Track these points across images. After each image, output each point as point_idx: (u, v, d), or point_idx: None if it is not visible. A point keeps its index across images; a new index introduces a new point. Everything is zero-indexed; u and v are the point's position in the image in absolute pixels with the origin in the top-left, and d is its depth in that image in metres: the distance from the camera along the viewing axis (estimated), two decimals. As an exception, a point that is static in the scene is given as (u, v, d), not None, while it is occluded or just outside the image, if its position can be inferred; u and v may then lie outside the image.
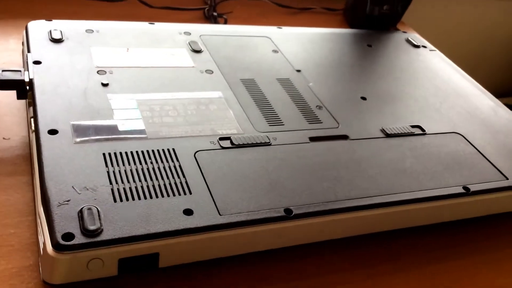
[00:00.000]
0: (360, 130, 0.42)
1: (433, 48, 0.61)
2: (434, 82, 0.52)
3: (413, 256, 0.37)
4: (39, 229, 0.30)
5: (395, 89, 0.49)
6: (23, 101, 0.43)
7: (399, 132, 0.43)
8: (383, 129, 0.43)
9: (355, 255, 0.36)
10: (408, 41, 0.60)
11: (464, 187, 0.38)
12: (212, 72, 0.46)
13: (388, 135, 0.42)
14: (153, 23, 0.51)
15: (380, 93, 0.48)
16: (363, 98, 0.47)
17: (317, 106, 0.44)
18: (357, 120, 0.43)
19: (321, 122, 0.42)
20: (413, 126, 0.44)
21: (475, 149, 0.43)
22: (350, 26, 0.70)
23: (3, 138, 0.40)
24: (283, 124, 0.41)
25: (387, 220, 0.36)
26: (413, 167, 0.39)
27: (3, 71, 0.40)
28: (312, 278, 0.34)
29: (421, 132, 0.44)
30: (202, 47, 0.49)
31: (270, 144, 0.38)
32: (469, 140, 0.44)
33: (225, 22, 0.63)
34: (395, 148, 0.41)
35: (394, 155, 0.40)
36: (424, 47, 0.60)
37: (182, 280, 0.32)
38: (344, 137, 0.41)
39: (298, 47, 0.53)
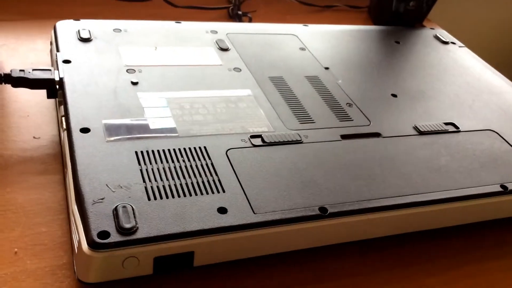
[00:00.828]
0: (392, 127, 0.41)
1: (462, 44, 0.59)
2: (465, 79, 0.51)
3: (449, 258, 0.36)
4: (73, 227, 0.30)
5: (425, 86, 0.48)
6: (52, 101, 0.43)
7: (432, 130, 0.42)
8: (416, 127, 0.42)
9: (390, 255, 0.36)
10: (436, 37, 0.59)
11: (502, 186, 0.37)
12: (240, 70, 0.45)
13: (421, 133, 0.41)
14: (180, 22, 0.51)
15: (410, 90, 0.47)
16: (394, 95, 0.46)
17: (347, 103, 0.44)
18: (388, 118, 0.42)
19: (352, 120, 0.41)
20: (446, 124, 0.43)
21: (510, 147, 0.42)
22: (375, 23, 0.69)
23: (33, 137, 0.40)
24: (314, 122, 0.40)
25: (423, 219, 0.35)
26: (448, 165, 0.38)
27: (33, 70, 0.40)
28: (347, 278, 0.33)
29: (454, 129, 0.43)
30: (229, 45, 0.48)
31: (301, 142, 0.38)
32: (504, 137, 0.43)
33: (250, 21, 0.63)
34: (428, 146, 0.40)
35: (428, 152, 0.39)
36: (453, 43, 0.58)
37: (216, 280, 0.32)
38: (377, 135, 0.40)
39: (325, 44, 0.53)
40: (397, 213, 0.34)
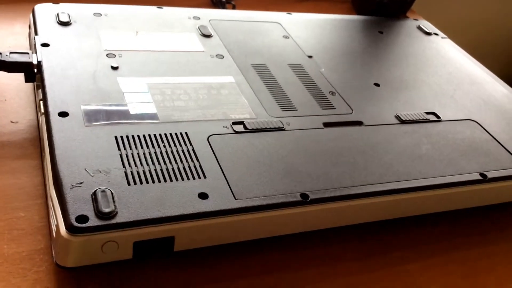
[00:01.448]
0: (374, 116, 0.41)
1: (444, 35, 0.60)
2: (447, 69, 0.52)
3: (429, 244, 0.37)
4: (51, 211, 0.29)
5: (408, 75, 0.49)
6: (29, 85, 0.43)
7: (414, 119, 0.42)
8: (398, 116, 0.42)
9: (371, 242, 0.36)
10: (419, 28, 0.59)
11: (481, 174, 0.38)
12: (223, 57, 0.45)
13: (402, 122, 0.41)
14: (162, 7, 0.50)
15: (393, 80, 0.47)
16: (376, 85, 0.46)
17: (330, 92, 0.44)
18: (371, 106, 0.42)
19: (335, 108, 0.41)
20: (427, 113, 0.43)
21: (490, 136, 0.42)
22: (359, 14, 0.69)
23: (11, 122, 0.39)
24: (296, 110, 0.40)
25: (404, 206, 0.36)
26: (429, 154, 0.38)
27: (10, 53, 0.39)
28: (327, 265, 0.34)
29: (436, 118, 0.43)
30: (212, 32, 0.48)
31: (283, 129, 0.38)
32: (484, 127, 0.43)
33: (233, 8, 0.62)
34: (410, 135, 0.40)
35: (410, 141, 0.39)
36: (436, 34, 0.59)
37: (196, 265, 0.31)
38: (359, 123, 0.40)
39: (309, 33, 0.52)
40: (378, 199, 0.34)
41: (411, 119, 0.42)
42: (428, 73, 0.50)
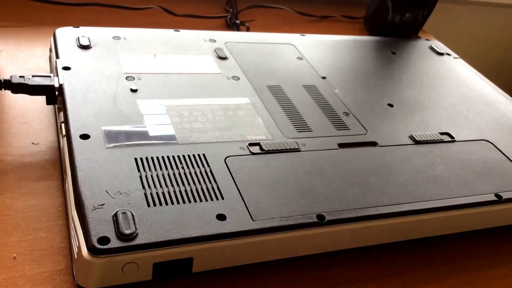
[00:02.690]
0: (389, 137, 0.42)
1: (457, 56, 0.60)
2: (460, 90, 0.52)
3: (444, 265, 0.37)
4: (73, 233, 0.30)
5: (421, 96, 0.49)
6: (50, 107, 0.44)
7: (428, 139, 0.42)
8: (412, 136, 0.42)
9: (387, 263, 0.36)
10: (432, 48, 0.60)
11: (496, 195, 0.38)
12: (239, 78, 0.46)
13: (417, 142, 0.42)
14: (179, 30, 0.51)
15: (406, 100, 0.48)
16: (390, 105, 0.46)
17: (344, 112, 0.44)
18: (385, 127, 0.43)
19: (349, 129, 0.42)
20: (441, 133, 0.44)
21: (504, 156, 0.42)
22: (371, 34, 0.70)
23: (32, 143, 0.40)
24: (311, 131, 0.41)
25: (419, 227, 0.36)
26: (443, 174, 0.39)
27: (33, 76, 0.40)
28: (342, 286, 0.34)
29: (450, 139, 0.43)
30: (228, 54, 0.49)
31: (299, 150, 0.38)
32: (498, 147, 0.43)
33: (247, 30, 0.63)
34: (424, 155, 0.40)
35: (424, 162, 0.39)
36: (448, 54, 0.59)
37: (214, 286, 0.32)
38: (373, 144, 0.41)
39: (322, 54, 0.53)
40: (394, 221, 0.34)
41: (425, 139, 0.42)
42: (442, 93, 0.51)
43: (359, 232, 0.33)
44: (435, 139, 0.42)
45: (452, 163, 0.40)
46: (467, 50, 1.06)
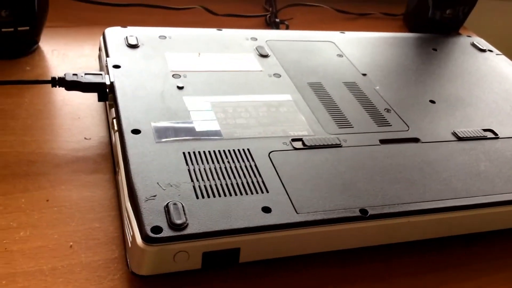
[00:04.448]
0: (431, 133, 0.42)
1: (499, 52, 0.59)
2: (503, 86, 0.51)
3: (488, 263, 0.37)
4: (126, 222, 0.31)
5: (464, 92, 0.49)
6: (101, 104, 0.46)
7: (471, 136, 0.42)
8: (455, 133, 0.42)
9: (429, 259, 0.36)
10: (473, 45, 0.59)
11: (542, 192, 0.37)
12: (280, 76, 0.47)
13: (460, 139, 0.42)
14: (221, 29, 0.52)
15: (449, 97, 0.48)
16: (432, 102, 0.46)
17: (385, 109, 0.44)
18: (427, 123, 0.43)
19: (391, 125, 0.42)
20: (485, 130, 0.43)
21: (551, 154, 0.42)
22: (411, 30, 0.70)
23: (85, 138, 0.42)
24: (352, 127, 0.41)
25: (464, 223, 0.36)
26: (487, 171, 0.38)
27: (85, 74, 0.42)
28: (381, 282, 0.34)
29: (493, 136, 0.43)
30: (269, 52, 0.50)
31: (341, 146, 0.39)
32: (544, 144, 0.43)
33: (287, 28, 0.64)
34: (468, 152, 0.40)
35: (468, 158, 0.39)
36: (490, 51, 0.59)
37: (259, 277, 0.33)
38: (415, 140, 0.41)
39: (363, 51, 0.54)
40: (438, 216, 0.34)
41: (468, 136, 0.42)
42: (484, 90, 0.50)
43: (403, 227, 0.34)
44: (479, 135, 0.42)
45: (496, 159, 0.40)
46: (510, 47, 1.03)
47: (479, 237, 0.38)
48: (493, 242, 0.38)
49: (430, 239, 0.36)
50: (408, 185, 0.36)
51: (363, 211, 0.33)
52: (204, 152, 0.35)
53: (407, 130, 0.42)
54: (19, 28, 0.48)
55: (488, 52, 0.58)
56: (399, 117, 0.43)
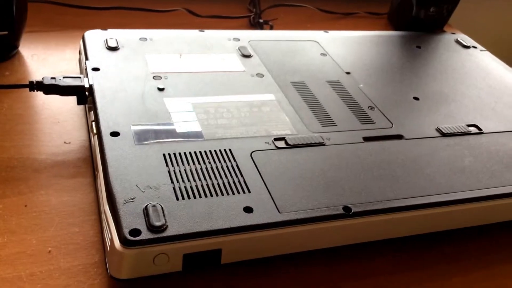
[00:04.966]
0: (415, 129, 0.42)
1: (483, 48, 0.59)
2: (487, 82, 0.51)
3: (472, 259, 0.36)
4: (105, 226, 0.31)
5: (448, 89, 0.49)
6: (80, 107, 0.45)
7: (455, 132, 0.42)
8: (439, 129, 0.42)
9: (412, 256, 0.36)
10: (457, 42, 0.59)
11: (527, 186, 0.37)
12: (263, 75, 0.46)
13: (444, 135, 0.41)
14: (203, 31, 0.52)
15: (433, 93, 0.47)
16: (416, 99, 0.46)
17: (369, 107, 0.44)
18: (411, 120, 0.43)
19: (374, 123, 0.42)
20: (469, 125, 0.43)
21: (535, 148, 0.42)
22: (396, 29, 0.70)
23: (64, 142, 0.41)
24: (336, 125, 0.41)
25: (448, 219, 0.35)
26: (472, 166, 0.38)
27: (64, 77, 0.41)
28: (368, 278, 0.34)
29: (477, 131, 0.43)
30: (252, 52, 0.50)
31: (324, 144, 0.38)
32: (528, 139, 0.43)
33: (271, 29, 0.64)
34: (452, 147, 0.40)
35: (452, 154, 0.39)
36: (475, 47, 0.59)
37: (242, 278, 0.32)
38: (399, 137, 0.41)
39: (346, 50, 0.53)
40: (422, 212, 0.34)
41: (452, 132, 0.42)
42: (468, 86, 0.50)
43: (386, 224, 0.33)
44: (463, 131, 0.42)
45: (480, 154, 0.40)
46: (495, 43, 1.04)
47: (465, 232, 0.38)
48: (481, 237, 0.38)
49: (416, 235, 0.36)
50: (392, 181, 0.35)
51: (346, 208, 0.33)
52: (184, 153, 0.35)
53: (391, 127, 0.42)
54: (-2, 33, 0.48)
55: (472, 49, 0.58)
56: (383, 114, 0.43)
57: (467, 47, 0.59)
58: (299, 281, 0.33)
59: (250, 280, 0.32)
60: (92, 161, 0.39)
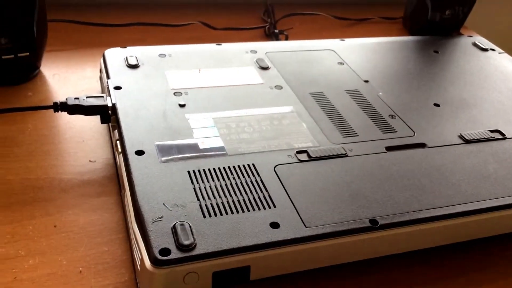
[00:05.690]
0: (437, 137, 0.41)
1: (502, 51, 0.59)
2: (508, 85, 0.51)
3: (503, 266, 0.36)
4: (134, 245, 0.31)
5: (468, 94, 0.48)
6: (104, 126, 0.46)
7: (478, 138, 0.42)
8: (461, 135, 0.42)
9: (444, 265, 0.36)
10: (475, 45, 0.59)
11: (554, 191, 0.37)
12: (281, 87, 0.46)
13: (467, 141, 0.41)
14: (220, 44, 0.52)
15: (453, 99, 0.47)
16: (436, 105, 0.46)
17: (389, 115, 0.44)
18: (432, 128, 0.43)
19: (396, 131, 0.42)
20: (492, 131, 0.43)
21: (560, 152, 0.41)
22: (411, 33, 0.69)
23: (89, 161, 0.42)
24: (357, 135, 0.41)
25: (476, 228, 0.35)
26: (497, 173, 0.38)
27: (87, 97, 0.42)
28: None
29: (501, 136, 0.42)
30: (269, 64, 0.50)
31: (346, 156, 0.38)
32: (552, 142, 0.42)
33: (287, 38, 0.64)
34: (475, 154, 0.40)
35: (476, 161, 0.39)
36: (493, 50, 0.58)
37: (271, 293, 0.32)
38: (422, 145, 0.40)
39: (363, 57, 0.53)
40: (449, 222, 0.34)
41: (475, 138, 0.41)
42: (488, 90, 0.50)
43: (414, 235, 0.33)
44: (486, 137, 0.42)
45: (504, 160, 0.39)
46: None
47: (493, 240, 0.37)
48: (507, 245, 0.38)
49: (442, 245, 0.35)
50: (417, 192, 0.35)
51: (373, 221, 0.32)
52: (209, 169, 0.35)
53: (413, 136, 0.41)
54: (19, 55, 0.49)
55: (490, 51, 0.58)
56: (404, 122, 0.43)
57: (485, 49, 0.58)
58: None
59: (279, 295, 0.32)
60: (117, 179, 0.40)
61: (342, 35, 0.60)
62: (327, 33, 0.68)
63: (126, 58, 0.47)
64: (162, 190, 0.33)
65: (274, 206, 0.33)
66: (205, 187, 0.34)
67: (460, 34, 0.64)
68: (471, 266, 0.36)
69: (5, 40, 0.47)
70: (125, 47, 0.49)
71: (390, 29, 0.72)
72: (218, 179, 0.34)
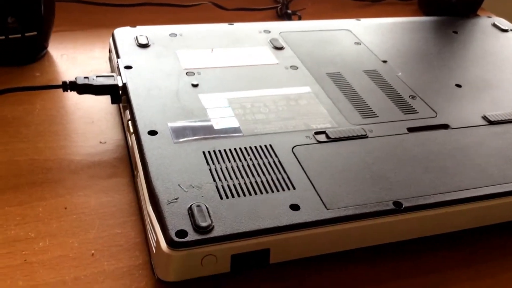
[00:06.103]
0: (461, 118, 0.40)
1: (522, 31, 0.57)
2: (530, 66, 0.49)
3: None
4: (149, 227, 0.30)
5: (490, 74, 0.47)
6: (114, 106, 0.44)
7: (503, 119, 0.40)
8: (485, 116, 0.40)
9: (469, 250, 0.34)
10: (495, 25, 0.57)
11: None
12: (297, 68, 0.45)
13: (491, 123, 0.40)
14: (233, 24, 0.51)
15: (475, 80, 0.46)
16: (458, 86, 0.44)
17: (410, 96, 0.42)
18: (455, 108, 0.41)
19: (417, 112, 0.40)
20: (516, 112, 0.41)
21: None
22: (426, 15, 0.67)
23: (100, 142, 0.41)
24: (377, 116, 0.39)
25: (503, 211, 0.34)
26: (524, 155, 0.36)
27: (97, 76, 0.41)
28: (422, 276, 0.32)
29: (526, 117, 0.41)
30: (284, 44, 0.48)
31: (366, 137, 0.37)
32: None
33: (300, 19, 0.62)
34: (501, 136, 0.38)
35: (501, 142, 0.37)
36: (513, 30, 0.56)
37: (291, 277, 0.31)
38: (445, 126, 0.39)
39: (381, 38, 0.52)
40: (476, 205, 0.32)
41: (500, 119, 0.40)
42: (510, 71, 0.48)
43: (439, 218, 0.32)
44: (511, 118, 0.40)
45: (531, 142, 0.38)
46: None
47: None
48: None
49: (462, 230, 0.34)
50: (442, 174, 0.34)
51: (397, 203, 0.31)
52: (224, 150, 0.34)
53: (435, 117, 0.40)
54: (27, 34, 0.47)
55: (510, 32, 0.56)
56: (426, 103, 0.41)
57: (505, 30, 0.56)
58: (345, 280, 0.32)
59: (297, 279, 0.31)
60: (129, 161, 0.38)
61: (356, 16, 0.58)
62: (341, 13, 0.66)
63: (136, 37, 0.46)
64: (177, 171, 0.32)
65: (294, 188, 0.31)
66: (221, 168, 0.32)
67: (479, 16, 0.62)
68: (490, 253, 0.34)
69: (12, 19, 0.46)
70: (135, 27, 0.48)
71: (405, 10, 0.70)
72: (235, 160, 0.33)
